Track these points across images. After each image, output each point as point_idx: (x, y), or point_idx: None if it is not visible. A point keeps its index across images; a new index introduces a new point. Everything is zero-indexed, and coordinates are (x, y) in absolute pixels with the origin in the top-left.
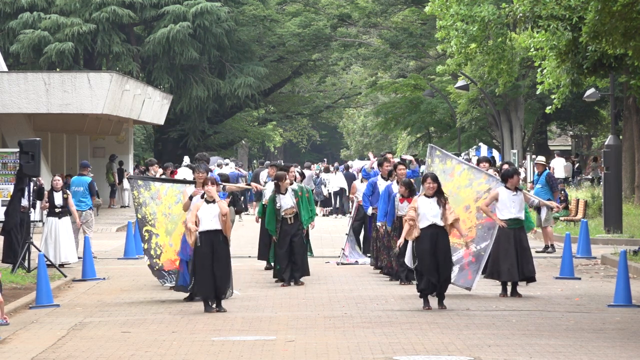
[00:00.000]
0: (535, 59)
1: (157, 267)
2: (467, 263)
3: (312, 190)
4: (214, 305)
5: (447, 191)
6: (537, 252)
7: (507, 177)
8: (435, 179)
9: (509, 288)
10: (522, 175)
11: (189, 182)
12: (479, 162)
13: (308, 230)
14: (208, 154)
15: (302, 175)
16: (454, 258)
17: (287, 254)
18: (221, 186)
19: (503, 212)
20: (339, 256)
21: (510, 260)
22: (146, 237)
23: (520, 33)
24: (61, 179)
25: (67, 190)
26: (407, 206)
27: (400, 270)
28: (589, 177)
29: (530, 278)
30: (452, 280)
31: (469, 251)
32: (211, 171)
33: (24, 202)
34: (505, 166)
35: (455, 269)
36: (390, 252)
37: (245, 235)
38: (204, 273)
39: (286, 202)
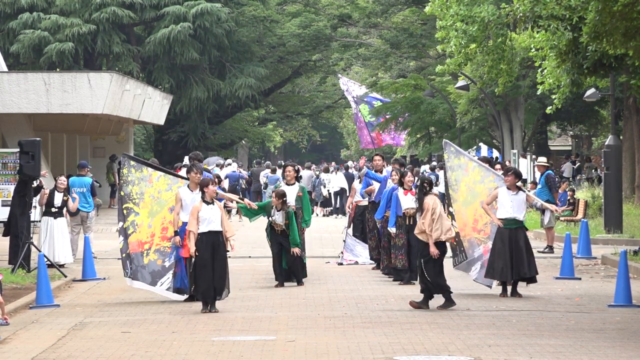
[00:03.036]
0: (536, 59)
1: (124, 253)
2: (486, 260)
3: (312, 192)
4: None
5: (465, 185)
6: (537, 252)
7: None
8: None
9: (509, 288)
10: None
11: (183, 178)
12: None
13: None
14: (208, 154)
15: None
16: (475, 254)
17: (278, 256)
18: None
19: (501, 211)
20: (339, 256)
21: (503, 260)
22: (124, 213)
23: (520, 33)
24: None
25: (69, 194)
26: (411, 199)
27: (404, 270)
28: (584, 177)
29: (527, 279)
30: (474, 278)
31: (487, 247)
32: (210, 172)
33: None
34: (498, 166)
35: (477, 266)
36: (397, 251)
37: (245, 235)
38: (205, 274)
39: (280, 218)
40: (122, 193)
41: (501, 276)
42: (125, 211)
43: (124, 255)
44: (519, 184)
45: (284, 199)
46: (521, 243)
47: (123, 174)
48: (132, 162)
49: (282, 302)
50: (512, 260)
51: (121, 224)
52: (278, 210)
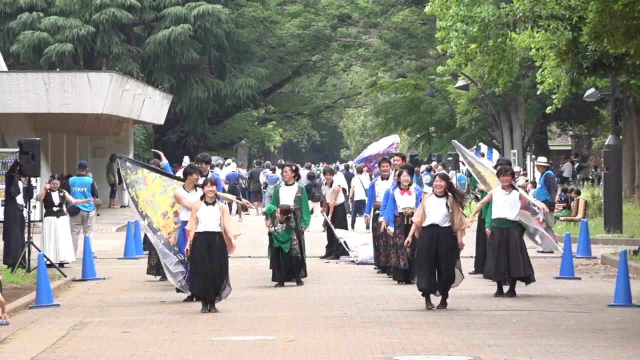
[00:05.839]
0: (536, 58)
1: (163, 241)
2: (543, 232)
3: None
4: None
5: (492, 178)
6: (537, 251)
7: (497, 175)
8: (443, 177)
9: (505, 288)
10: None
11: (178, 179)
12: None
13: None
14: (208, 154)
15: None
16: (530, 229)
17: (277, 256)
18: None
19: (494, 210)
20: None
21: (496, 260)
22: (144, 214)
23: (520, 33)
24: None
25: (62, 189)
26: (408, 199)
27: (404, 271)
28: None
29: (522, 278)
30: (541, 249)
31: (538, 220)
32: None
33: (20, 200)
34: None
35: (538, 240)
36: (398, 250)
37: (245, 235)
38: (200, 272)
39: (281, 231)
40: (131, 194)
41: (496, 276)
42: (143, 211)
43: (162, 243)
44: (518, 183)
45: (289, 215)
46: (512, 243)
47: (123, 175)
48: (128, 164)
49: (282, 302)
50: (507, 259)
51: (145, 221)
52: (280, 223)
